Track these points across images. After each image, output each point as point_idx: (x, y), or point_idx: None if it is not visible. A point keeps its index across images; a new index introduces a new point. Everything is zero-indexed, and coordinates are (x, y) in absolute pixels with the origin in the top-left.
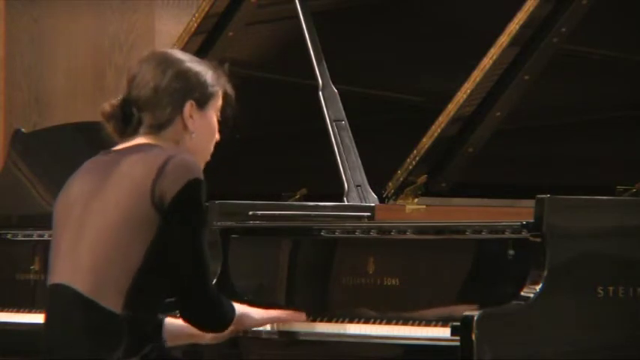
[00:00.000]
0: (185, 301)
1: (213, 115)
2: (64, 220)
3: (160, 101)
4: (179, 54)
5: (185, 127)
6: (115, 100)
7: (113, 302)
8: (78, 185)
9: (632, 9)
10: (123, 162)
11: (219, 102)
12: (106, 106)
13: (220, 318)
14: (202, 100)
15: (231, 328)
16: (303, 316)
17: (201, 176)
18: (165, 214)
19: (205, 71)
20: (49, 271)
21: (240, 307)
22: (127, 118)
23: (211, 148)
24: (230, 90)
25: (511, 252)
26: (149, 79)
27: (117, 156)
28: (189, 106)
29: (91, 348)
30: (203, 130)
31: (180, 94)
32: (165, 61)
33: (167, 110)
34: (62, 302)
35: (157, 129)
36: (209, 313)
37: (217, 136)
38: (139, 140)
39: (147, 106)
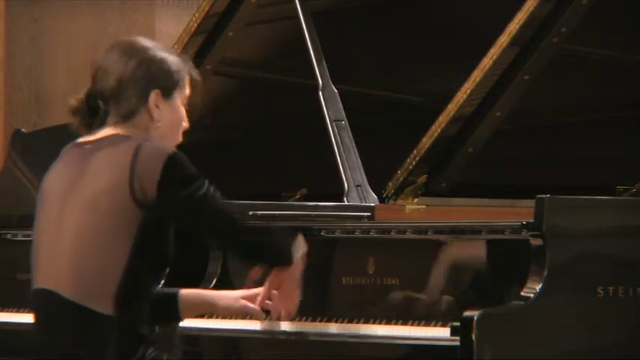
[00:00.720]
0: (237, 253)
1: (179, 103)
2: (40, 217)
3: (124, 92)
4: (143, 42)
5: (151, 116)
6: (81, 93)
7: (103, 305)
8: (54, 178)
9: (632, 9)
10: (94, 157)
11: (185, 90)
12: (73, 101)
13: (278, 248)
14: (168, 89)
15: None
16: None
17: (172, 150)
18: (154, 202)
19: (170, 59)
20: (32, 274)
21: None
22: (92, 112)
23: (179, 137)
24: (197, 76)
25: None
26: (112, 71)
27: (89, 149)
28: (154, 96)
29: (82, 351)
30: (170, 119)
31: (144, 84)
32: (128, 51)
33: (132, 100)
34: (49, 307)
35: (123, 119)
36: (262, 249)
37: (186, 125)
38: (109, 131)
39: (112, 98)
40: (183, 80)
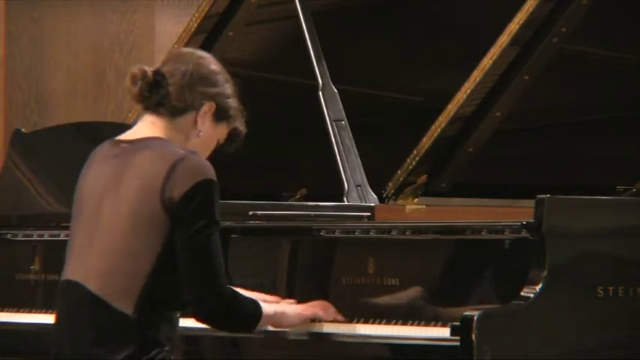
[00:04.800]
0: (197, 304)
1: (219, 133)
2: (78, 215)
3: (189, 86)
4: (225, 74)
5: (195, 123)
6: (152, 67)
7: (124, 304)
8: (92, 176)
9: (632, 9)
10: (135, 159)
11: (227, 129)
12: (140, 69)
13: (238, 319)
14: (221, 114)
15: (264, 326)
16: (339, 316)
17: (213, 177)
18: (173, 215)
19: (235, 100)
20: (64, 266)
21: (277, 307)
22: (155, 86)
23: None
24: (242, 128)
25: None
26: (191, 62)
27: (128, 149)
28: (208, 106)
29: (96, 346)
30: (207, 137)
31: (208, 93)
32: (215, 62)
33: (189, 98)
34: (72, 298)
35: (171, 113)
36: (223, 314)
37: (208, 152)
38: (150, 129)
39: (175, 85)
40: (233, 121)
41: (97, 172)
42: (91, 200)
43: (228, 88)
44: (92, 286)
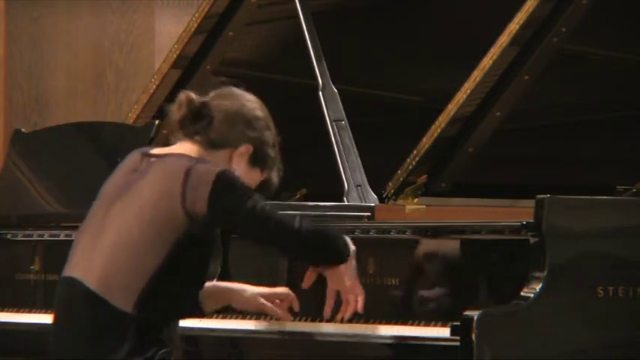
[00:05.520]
0: (298, 257)
1: (250, 178)
2: (90, 217)
3: (233, 123)
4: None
5: (230, 160)
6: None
7: (123, 302)
8: (111, 180)
9: (632, 9)
10: (152, 169)
11: (259, 177)
12: (187, 96)
13: (333, 242)
14: (257, 159)
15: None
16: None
17: (223, 168)
18: (203, 217)
19: (273, 151)
20: (67, 263)
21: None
22: (198, 115)
23: None
24: (275, 179)
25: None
26: (239, 103)
27: (152, 162)
28: (245, 148)
29: (94, 343)
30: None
31: (250, 135)
32: (263, 110)
33: (229, 135)
34: (71, 294)
35: (208, 144)
36: (318, 246)
37: None
38: (183, 147)
39: (220, 118)
40: (268, 171)
41: (115, 177)
42: (103, 204)
43: (268, 136)
44: (92, 283)
